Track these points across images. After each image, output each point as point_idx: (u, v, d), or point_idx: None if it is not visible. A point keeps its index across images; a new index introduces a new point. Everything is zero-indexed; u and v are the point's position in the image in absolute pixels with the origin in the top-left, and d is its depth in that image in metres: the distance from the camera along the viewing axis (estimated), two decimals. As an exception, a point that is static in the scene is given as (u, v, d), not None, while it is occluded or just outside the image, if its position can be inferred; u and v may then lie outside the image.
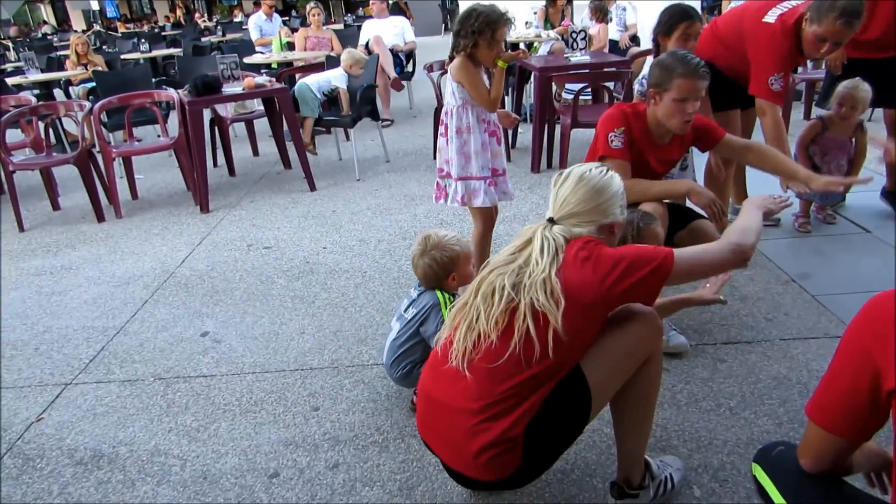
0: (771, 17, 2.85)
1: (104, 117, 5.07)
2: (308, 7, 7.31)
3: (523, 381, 1.44)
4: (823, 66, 4.15)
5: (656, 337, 1.63)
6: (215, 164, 5.51)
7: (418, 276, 2.17)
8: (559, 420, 1.48)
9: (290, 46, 7.48)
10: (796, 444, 1.25)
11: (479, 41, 2.66)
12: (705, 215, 2.48)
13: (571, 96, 4.63)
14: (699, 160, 3.33)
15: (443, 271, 2.12)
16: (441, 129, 2.88)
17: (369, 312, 2.87)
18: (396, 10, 12.64)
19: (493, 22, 2.65)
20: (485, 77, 2.80)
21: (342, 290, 3.09)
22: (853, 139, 3.25)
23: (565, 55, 5.16)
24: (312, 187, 4.66)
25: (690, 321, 2.60)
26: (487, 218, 2.89)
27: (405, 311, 2.17)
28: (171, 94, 4.70)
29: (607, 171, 1.64)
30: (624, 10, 7.11)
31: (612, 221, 1.61)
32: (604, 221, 1.59)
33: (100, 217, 4.45)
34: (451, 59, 2.78)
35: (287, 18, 14.22)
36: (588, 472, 1.87)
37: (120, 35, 15.93)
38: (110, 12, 30.66)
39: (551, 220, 1.60)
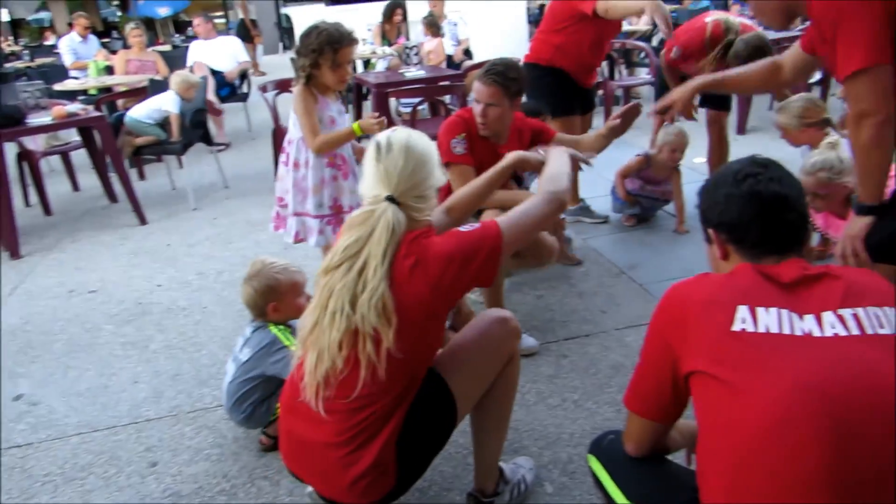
0: None
1: None
2: (128, 28, 6.82)
3: (382, 406, 1.40)
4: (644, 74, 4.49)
5: (514, 339, 1.65)
6: (27, 204, 4.95)
7: (243, 300, 2.06)
8: (427, 434, 1.47)
9: (110, 70, 6.93)
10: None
11: (321, 62, 2.52)
12: None
13: (409, 110, 4.68)
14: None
15: (262, 300, 2.00)
16: (283, 155, 2.76)
17: (211, 350, 2.69)
18: (242, 28, 12.20)
19: (336, 41, 2.50)
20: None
21: (180, 330, 2.88)
22: (669, 179, 3.55)
23: (401, 71, 5.23)
24: (143, 220, 4.33)
25: (535, 322, 2.70)
26: None
27: (240, 351, 2.05)
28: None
29: (418, 133, 1.53)
30: (455, 24, 7.33)
31: (440, 184, 1.54)
32: (440, 184, 1.53)
33: None
34: (295, 81, 2.64)
35: (107, 40, 13.18)
36: (445, 486, 1.87)
37: None
38: None
39: (391, 199, 1.43)
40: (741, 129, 5.34)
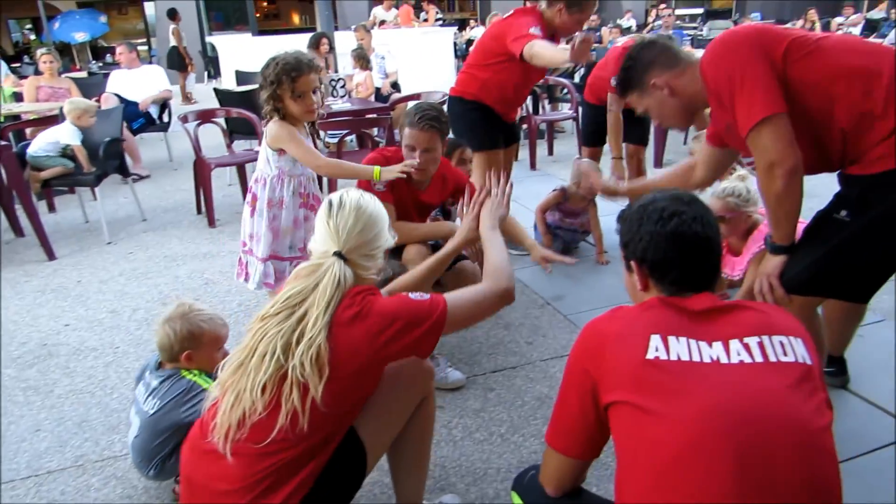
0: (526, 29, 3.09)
1: None
2: (38, 53, 6.52)
3: (291, 455, 1.34)
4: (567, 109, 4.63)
5: (427, 379, 1.64)
6: (-79, 239, 4.60)
7: (157, 341, 1.95)
8: (335, 485, 1.41)
9: (18, 97, 6.59)
10: None
11: (280, 93, 2.44)
12: (467, 255, 2.62)
13: (335, 140, 4.66)
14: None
15: (179, 346, 1.90)
16: (248, 197, 2.63)
17: (123, 393, 2.54)
18: (176, 56, 11.84)
19: (293, 69, 2.42)
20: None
21: (89, 373, 2.72)
22: (586, 210, 3.66)
23: (328, 102, 5.20)
24: (51, 256, 4.08)
25: (462, 355, 2.70)
26: None
27: (144, 402, 1.92)
28: None
29: (373, 197, 1.57)
30: (383, 58, 7.40)
31: (387, 247, 1.56)
32: (387, 245, 1.55)
33: None
34: (263, 118, 2.53)
35: (18, 65, 12.58)
36: (370, 529, 1.82)
37: None
38: None
39: (339, 255, 1.45)
40: (658, 163, 5.60)
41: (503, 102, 3.35)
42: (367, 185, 2.47)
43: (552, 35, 3.18)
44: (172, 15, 12.36)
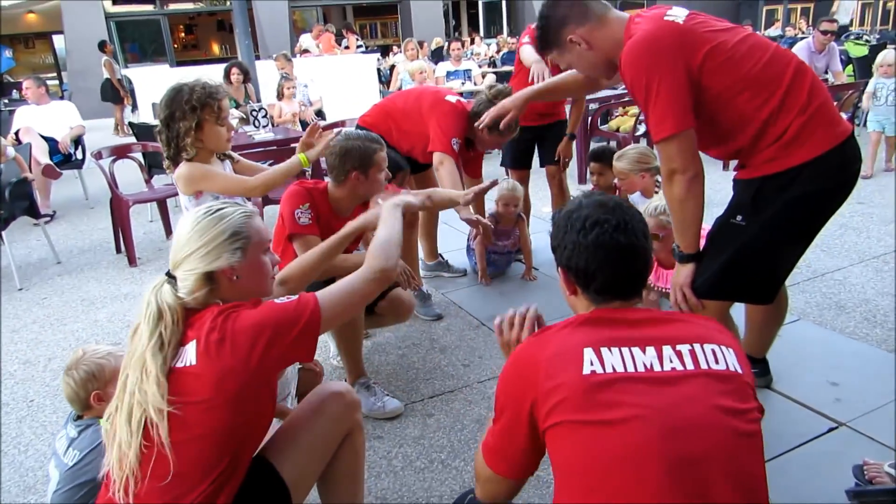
0: (451, 98, 3.20)
1: None
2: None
3: (201, 493, 1.27)
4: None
5: (352, 412, 1.60)
6: None
7: (64, 395, 1.84)
8: None
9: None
10: None
11: (205, 118, 2.26)
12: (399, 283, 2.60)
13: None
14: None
15: (83, 390, 1.78)
16: None
17: (39, 449, 2.38)
18: (109, 88, 11.31)
19: (214, 92, 2.28)
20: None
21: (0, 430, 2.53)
22: (516, 227, 3.71)
23: (249, 133, 5.12)
24: (-45, 306, 3.82)
25: (399, 382, 2.67)
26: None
27: (64, 454, 1.80)
28: None
29: (219, 208, 1.42)
30: (306, 86, 7.35)
31: (227, 266, 1.38)
32: (211, 267, 1.36)
33: None
34: (171, 160, 2.31)
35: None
36: (311, 572, 1.75)
37: None
38: None
39: (168, 274, 1.39)
40: (582, 179, 5.76)
41: (409, 151, 3.29)
42: (292, 221, 2.38)
43: (468, 143, 3.23)
44: (102, 46, 11.87)
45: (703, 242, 1.94)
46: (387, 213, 1.73)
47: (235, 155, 2.55)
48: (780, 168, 1.75)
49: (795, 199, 1.76)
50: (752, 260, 1.85)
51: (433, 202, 2.45)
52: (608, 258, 1.20)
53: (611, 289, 1.22)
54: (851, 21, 17.14)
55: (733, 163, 1.97)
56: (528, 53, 3.49)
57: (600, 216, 1.21)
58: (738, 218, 1.85)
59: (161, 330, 1.30)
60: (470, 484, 2.03)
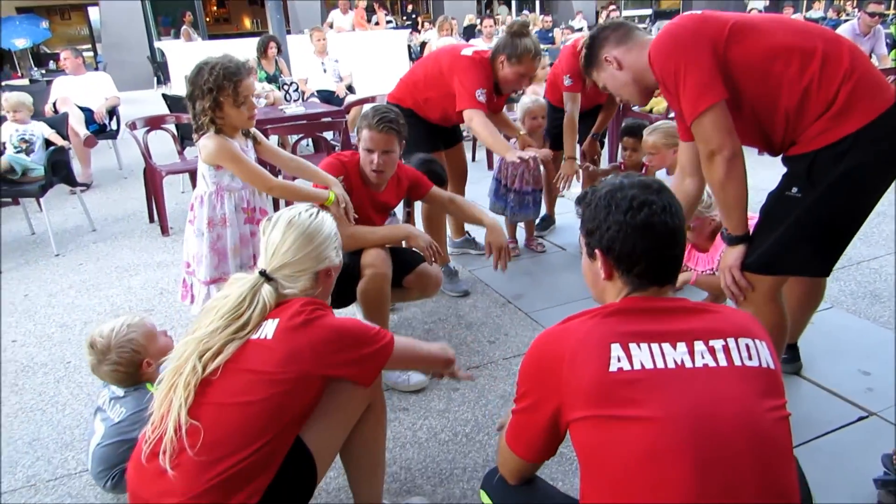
0: (468, 52, 3.19)
1: None
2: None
3: (238, 470, 1.31)
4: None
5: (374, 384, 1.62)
6: None
7: (110, 382, 1.91)
8: (285, 497, 1.38)
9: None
10: None
11: (222, 100, 2.25)
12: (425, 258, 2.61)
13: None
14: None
15: (133, 367, 1.85)
16: (189, 215, 2.49)
17: (76, 409, 2.46)
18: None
19: (233, 74, 2.25)
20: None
21: (39, 390, 2.62)
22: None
23: (281, 107, 5.14)
24: (-5, 270, 3.93)
25: (424, 356, 2.69)
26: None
27: (110, 409, 1.87)
28: None
29: (317, 213, 1.58)
30: (337, 61, 7.33)
31: (327, 266, 1.56)
32: (319, 268, 1.53)
33: None
34: (197, 131, 2.33)
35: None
36: (336, 536, 1.79)
37: None
38: None
39: (263, 274, 1.49)
40: (612, 158, 5.68)
41: (442, 119, 3.33)
42: (323, 188, 2.44)
43: (497, 87, 3.22)
44: (181, 16, 12.12)
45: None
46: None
47: (260, 135, 2.54)
48: (833, 139, 1.70)
49: (852, 167, 1.70)
50: (811, 231, 1.79)
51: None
52: (655, 240, 1.14)
53: (652, 273, 1.17)
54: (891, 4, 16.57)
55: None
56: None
57: (648, 197, 1.15)
58: (794, 190, 1.79)
59: (252, 320, 1.42)
60: (494, 458, 2.05)
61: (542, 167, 3.71)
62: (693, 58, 1.72)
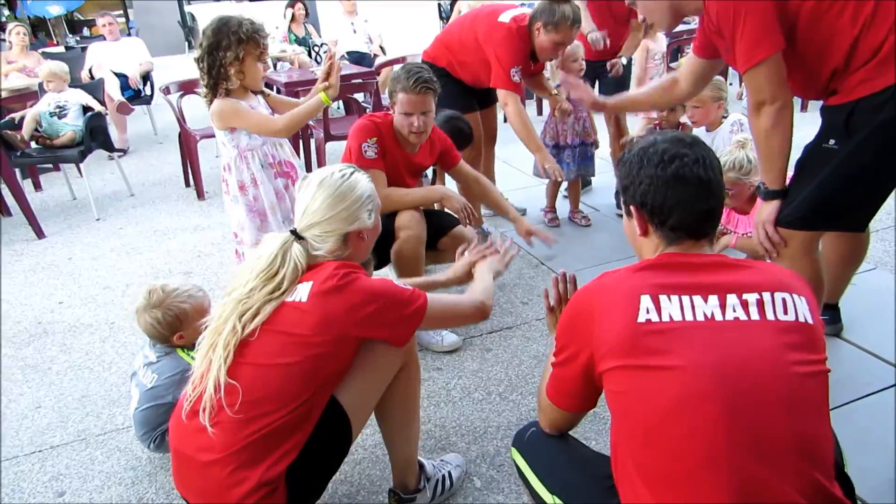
0: (505, 18, 3.10)
1: None
2: (10, 27, 6.33)
3: (275, 427, 1.35)
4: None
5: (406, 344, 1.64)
6: None
7: (142, 330, 1.95)
8: (320, 454, 1.42)
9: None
10: None
11: (247, 54, 2.25)
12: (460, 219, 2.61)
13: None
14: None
15: (168, 330, 1.89)
16: (223, 186, 2.53)
17: (121, 368, 2.55)
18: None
19: (260, 29, 2.27)
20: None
21: (86, 349, 2.72)
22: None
23: (311, 69, 5.12)
24: (40, 234, 4.05)
25: (457, 317, 2.71)
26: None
27: (143, 375, 1.92)
28: None
29: (351, 173, 1.54)
30: (366, 21, 7.25)
31: (359, 228, 1.52)
32: (349, 229, 1.50)
33: None
34: (209, 89, 2.32)
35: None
36: (374, 490, 1.85)
37: None
38: None
39: (294, 232, 1.49)
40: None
41: (475, 82, 3.27)
42: (358, 155, 2.43)
43: (533, 55, 3.14)
44: None
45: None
46: (482, 270, 1.88)
47: (268, 90, 2.55)
48: (873, 89, 1.64)
49: (891, 117, 1.64)
50: (847, 184, 1.74)
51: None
52: (687, 192, 1.14)
53: (686, 225, 1.16)
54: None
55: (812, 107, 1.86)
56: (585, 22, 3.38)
57: (679, 150, 1.15)
58: (831, 142, 1.74)
59: (286, 279, 1.42)
60: (527, 417, 2.07)
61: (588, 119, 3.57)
62: (753, 5, 1.66)
